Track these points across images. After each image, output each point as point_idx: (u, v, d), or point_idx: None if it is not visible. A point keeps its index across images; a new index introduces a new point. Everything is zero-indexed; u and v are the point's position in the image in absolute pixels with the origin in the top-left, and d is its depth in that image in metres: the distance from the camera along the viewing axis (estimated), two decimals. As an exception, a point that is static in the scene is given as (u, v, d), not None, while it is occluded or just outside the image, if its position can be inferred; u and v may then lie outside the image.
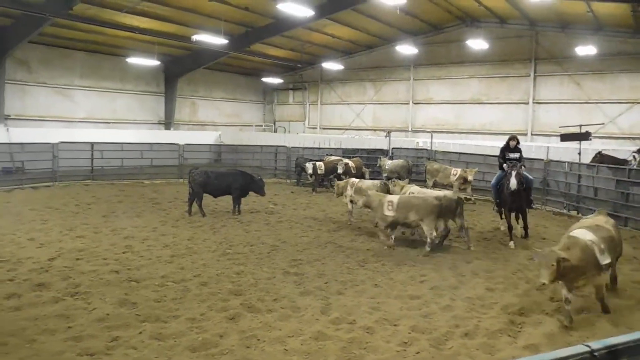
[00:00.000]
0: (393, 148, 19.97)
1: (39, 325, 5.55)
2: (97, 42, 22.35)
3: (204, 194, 12.44)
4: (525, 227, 10.43)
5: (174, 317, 5.86)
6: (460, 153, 17.99)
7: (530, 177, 10.59)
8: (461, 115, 25.64)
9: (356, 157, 18.54)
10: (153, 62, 23.64)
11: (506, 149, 10.68)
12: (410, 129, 27.19)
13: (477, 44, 22.15)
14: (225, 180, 12.59)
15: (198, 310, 6.08)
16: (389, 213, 9.21)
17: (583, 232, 5.92)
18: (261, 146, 21.99)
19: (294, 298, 6.59)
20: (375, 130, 27.67)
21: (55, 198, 14.20)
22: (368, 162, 18.54)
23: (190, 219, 11.89)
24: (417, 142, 21.68)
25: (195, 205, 12.35)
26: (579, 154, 15.70)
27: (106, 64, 24.09)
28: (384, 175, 16.49)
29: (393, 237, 9.55)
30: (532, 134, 23.25)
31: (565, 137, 16.19)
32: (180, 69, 26.45)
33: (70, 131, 20.36)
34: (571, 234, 5.99)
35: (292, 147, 20.82)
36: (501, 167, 10.58)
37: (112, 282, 7.08)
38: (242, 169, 13.69)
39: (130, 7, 18.64)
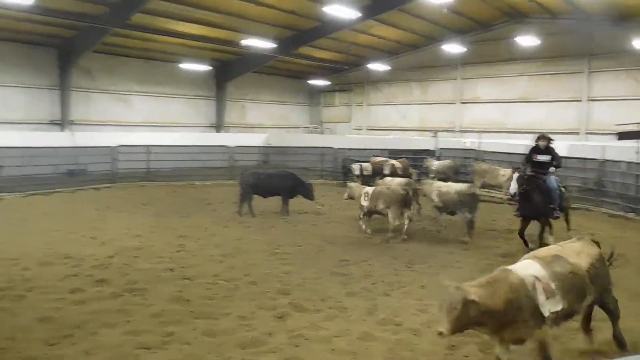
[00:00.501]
0: (440, 148, 19.65)
1: (100, 318, 5.80)
2: (153, 49, 23.15)
3: (254, 195, 12.65)
4: (524, 242, 9.03)
5: (225, 314, 5.99)
6: (509, 153, 17.47)
7: (554, 184, 9.15)
8: (510, 114, 24.86)
9: (402, 157, 18.35)
10: (204, 68, 24.29)
11: (534, 150, 9.34)
12: (457, 129, 26.62)
13: (527, 40, 21.41)
14: (275, 181, 12.78)
15: (247, 308, 6.19)
16: (364, 203, 10.30)
17: (527, 265, 4.30)
18: (308, 147, 22.13)
19: (341, 298, 6.60)
20: (421, 130, 27.24)
21: (115, 198, 14.83)
22: (415, 162, 18.31)
23: (240, 219, 12.12)
24: (465, 142, 21.22)
25: (245, 206, 12.58)
26: (637, 153, 14.90)
27: (161, 70, 24.91)
28: (431, 176, 16.23)
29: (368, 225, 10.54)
30: (586, 133, 22.26)
31: (623, 136, 15.39)
32: (230, 73, 27.00)
33: (128, 135, 21.17)
34: (508, 266, 4.31)
35: (338, 149, 20.85)
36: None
37: (166, 280, 7.32)
38: (290, 171, 13.84)
39: (183, 15, 19.22)
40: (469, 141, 21.24)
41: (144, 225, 11.21)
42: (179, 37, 21.14)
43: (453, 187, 10.38)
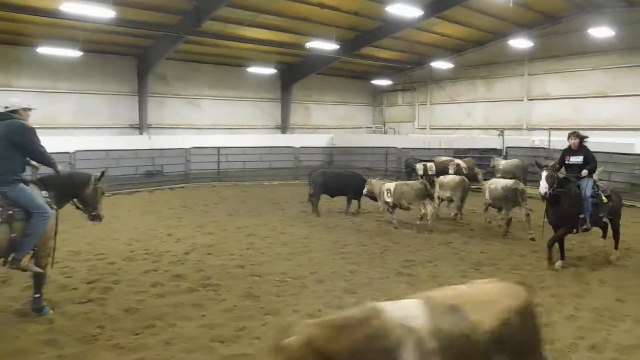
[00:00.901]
0: (507, 147, 18.91)
1: (178, 311, 6.06)
2: (222, 55, 23.86)
3: (322, 194, 12.82)
4: (561, 253, 8.03)
5: (294, 311, 6.07)
6: (582, 151, 16.51)
7: (588, 191, 7.83)
8: (582, 110, 23.41)
9: (468, 157, 17.82)
10: (270, 71, 24.75)
11: (567, 151, 8.30)
12: (525, 127, 25.45)
13: (601, 32, 20.05)
14: (343, 181, 12.90)
15: (315, 306, 6.23)
16: (388, 199, 11.10)
17: (406, 308, 2.95)
18: (372, 147, 22.01)
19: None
20: (487, 129, 26.32)
21: (188, 198, 15.48)
22: (480, 162, 17.71)
23: (306, 218, 12.27)
24: (533, 141, 20.27)
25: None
26: None
27: (230, 75, 25.64)
28: (498, 175, 15.64)
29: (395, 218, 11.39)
30: (668, 129, 20.59)
31: None
32: (295, 76, 27.34)
33: (199, 137, 21.97)
34: (384, 304, 2.98)
35: (402, 148, 20.59)
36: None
37: (237, 276, 7.54)
38: (356, 171, 13.90)
39: (250, 20, 19.69)
40: (537, 139, 20.26)
41: (216, 223, 11.62)
42: (247, 42, 21.67)
43: (500, 183, 10.78)
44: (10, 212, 5.44)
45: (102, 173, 6.63)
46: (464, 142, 22.01)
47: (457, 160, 16.51)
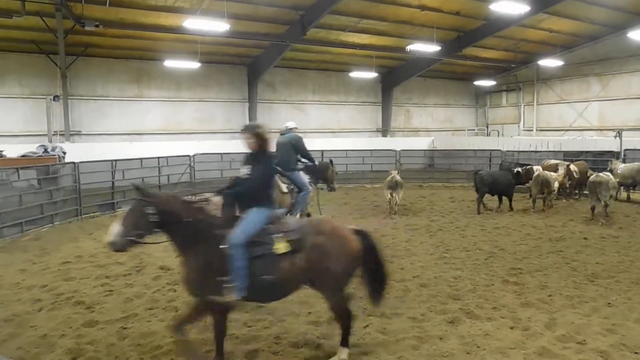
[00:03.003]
0: (625, 150, 17.09)
1: (287, 307, 6.22)
2: (325, 60, 24.37)
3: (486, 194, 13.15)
4: (218, 350, 4.72)
5: (397, 314, 6.01)
6: None
7: (238, 238, 4.27)
8: None
9: (580, 160, 16.38)
10: (372, 75, 24.77)
11: (248, 158, 4.76)
12: (647, 127, 22.93)
13: None
14: (502, 180, 13.15)
15: (418, 310, 6.13)
16: None
17: None
18: (474, 150, 21.12)
19: (515, 308, 6.16)
20: (601, 130, 24.10)
21: (294, 198, 15.95)
22: (594, 165, 16.19)
23: (407, 221, 12.07)
24: (657, 142, 18.12)
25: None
26: None
27: (332, 80, 26.11)
28: (616, 180, 14.14)
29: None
30: None
31: None
32: (395, 79, 27.12)
33: (304, 141, 22.48)
34: None
35: (506, 151, 19.49)
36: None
37: (342, 276, 7.63)
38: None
39: (352, 26, 19.88)
40: (662, 140, 18.10)
41: (320, 223, 11.85)
42: (349, 48, 21.93)
43: (591, 178, 12.00)
44: (292, 187, 8.86)
45: (331, 161, 11.09)
46: (575, 144, 20.27)
47: (567, 163, 15.24)
